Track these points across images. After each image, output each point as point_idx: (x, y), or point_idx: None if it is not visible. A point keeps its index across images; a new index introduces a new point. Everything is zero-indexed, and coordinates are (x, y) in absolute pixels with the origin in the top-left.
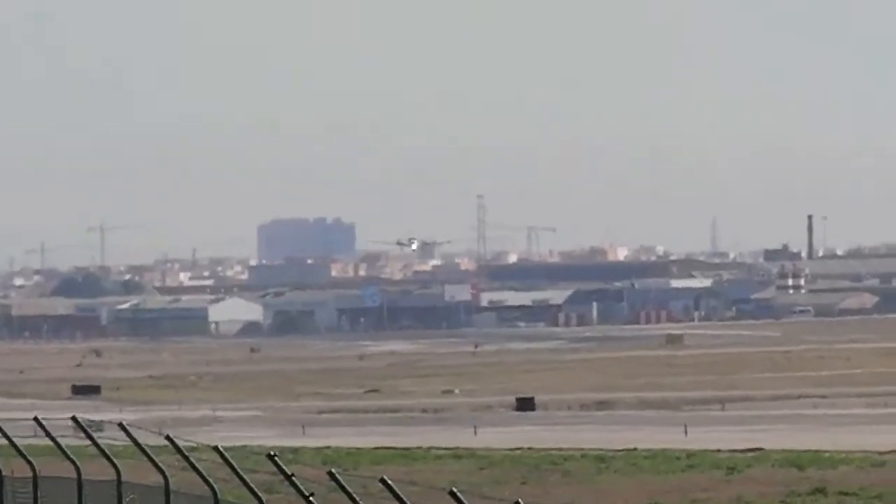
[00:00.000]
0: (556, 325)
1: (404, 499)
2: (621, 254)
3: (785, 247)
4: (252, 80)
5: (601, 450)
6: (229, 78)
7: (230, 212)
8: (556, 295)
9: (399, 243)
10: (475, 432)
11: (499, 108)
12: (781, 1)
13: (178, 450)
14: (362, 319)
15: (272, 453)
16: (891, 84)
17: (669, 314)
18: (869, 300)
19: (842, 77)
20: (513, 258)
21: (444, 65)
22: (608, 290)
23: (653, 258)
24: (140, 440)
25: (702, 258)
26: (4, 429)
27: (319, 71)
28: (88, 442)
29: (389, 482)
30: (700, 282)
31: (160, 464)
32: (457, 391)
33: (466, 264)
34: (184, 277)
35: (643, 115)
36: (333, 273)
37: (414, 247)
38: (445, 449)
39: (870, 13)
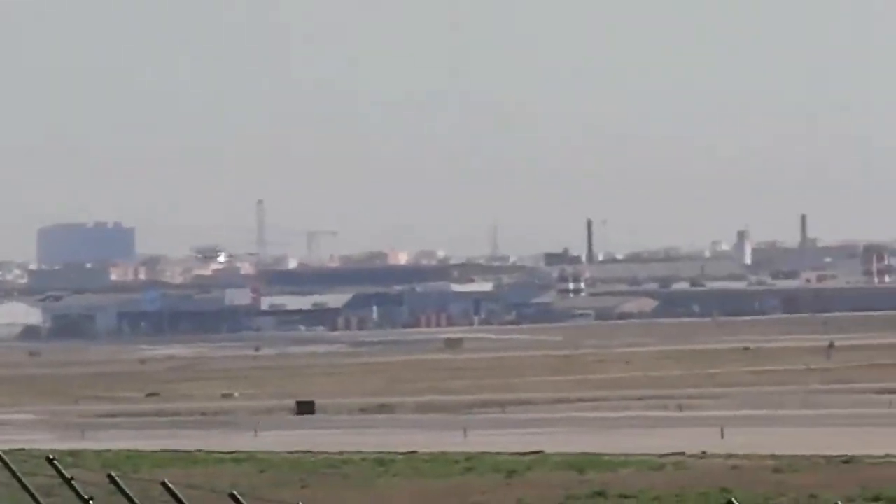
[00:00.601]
0: (336, 329)
1: (185, 502)
2: (402, 258)
3: (565, 251)
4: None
5: (381, 453)
6: None
7: (9, 216)
8: (336, 299)
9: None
10: (255, 435)
11: (278, 111)
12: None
13: None
14: (143, 323)
15: (51, 457)
16: (693, 83)
17: (449, 318)
18: (649, 304)
19: (622, 77)
20: (293, 263)
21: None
22: (388, 294)
23: (433, 262)
24: None
25: (482, 262)
26: None
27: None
28: None
29: (170, 485)
30: (480, 286)
31: None
32: (237, 395)
33: (247, 269)
34: None
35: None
36: (113, 277)
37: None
38: (226, 452)
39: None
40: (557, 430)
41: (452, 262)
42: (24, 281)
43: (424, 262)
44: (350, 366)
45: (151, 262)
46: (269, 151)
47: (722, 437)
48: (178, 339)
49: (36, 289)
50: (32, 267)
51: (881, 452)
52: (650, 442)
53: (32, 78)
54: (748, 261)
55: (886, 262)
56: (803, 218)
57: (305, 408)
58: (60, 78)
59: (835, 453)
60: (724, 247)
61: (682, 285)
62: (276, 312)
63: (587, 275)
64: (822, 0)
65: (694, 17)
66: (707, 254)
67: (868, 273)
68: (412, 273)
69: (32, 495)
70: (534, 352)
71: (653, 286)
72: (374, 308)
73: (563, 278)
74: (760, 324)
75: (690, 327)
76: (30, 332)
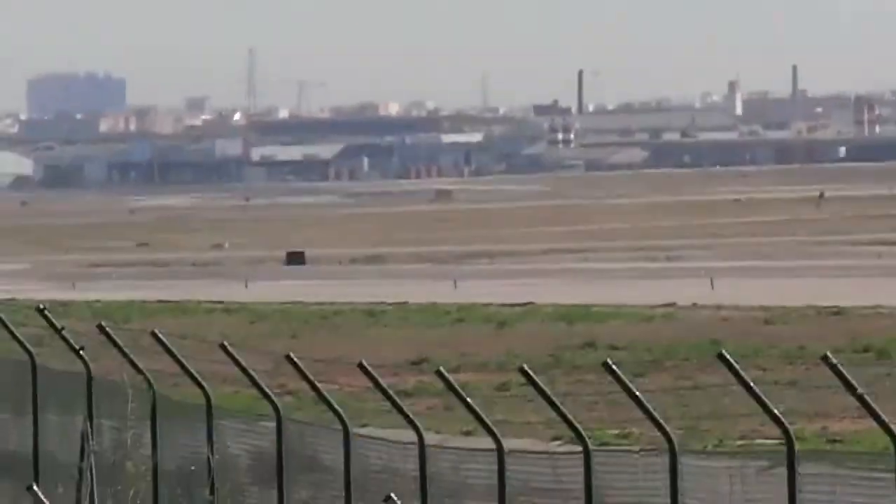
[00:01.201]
0: (327, 179)
1: (174, 352)
2: (392, 109)
3: (555, 102)
4: None
5: (372, 304)
6: None
7: None
8: (327, 150)
9: None
10: (246, 286)
11: None
12: None
13: None
14: (133, 174)
15: (42, 306)
16: None
17: (440, 169)
18: (639, 155)
19: None
20: (283, 113)
21: None
22: (379, 146)
23: (423, 113)
24: None
25: (472, 113)
26: None
27: None
28: None
29: (160, 335)
30: (470, 137)
31: None
32: (227, 245)
33: (237, 119)
34: None
35: None
36: (103, 128)
37: None
38: (216, 302)
39: None
40: (548, 282)
41: (443, 113)
42: (14, 131)
43: (415, 112)
44: (340, 217)
45: (142, 113)
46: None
47: (712, 287)
48: (168, 190)
49: (27, 139)
50: (23, 117)
51: (870, 303)
52: (640, 293)
53: None
54: (739, 111)
55: (877, 113)
56: (794, 68)
57: (296, 258)
58: None
59: (824, 304)
60: (715, 98)
61: (673, 136)
62: (267, 163)
63: (577, 126)
64: None
65: None
66: (698, 104)
67: (859, 123)
68: (402, 124)
69: (23, 345)
70: (523, 203)
71: (643, 137)
72: (365, 159)
73: (554, 129)
74: (751, 175)
75: (681, 178)
76: (20, 182)
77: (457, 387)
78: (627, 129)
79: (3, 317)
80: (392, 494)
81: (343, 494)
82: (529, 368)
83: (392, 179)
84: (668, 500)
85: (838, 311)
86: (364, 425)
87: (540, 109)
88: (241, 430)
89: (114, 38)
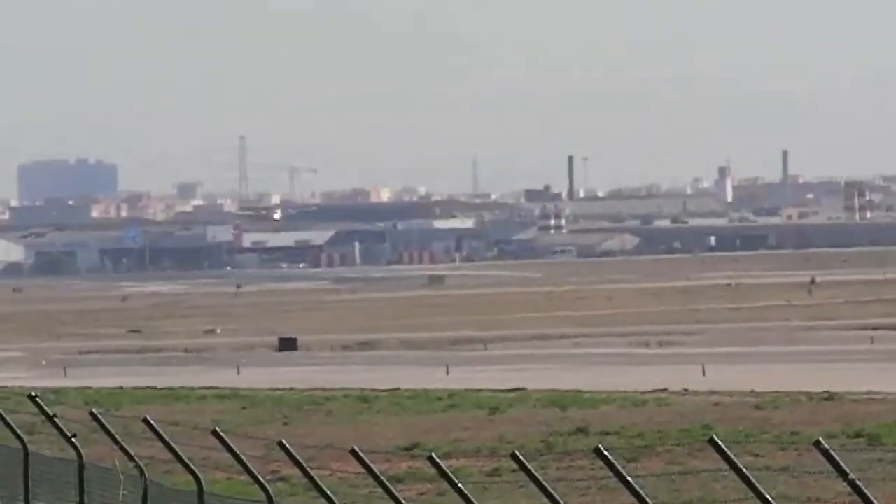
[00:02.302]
0: (319, 265)
1: (167, 438)
2: (384, 195)
3: (547, 187)
4: None
5: (364, 390)
6: None
7: None
8: (319, 236)
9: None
10: (238, 372)
11: (263, 48)
12: None
13: None
14: (125, 260)
15: (34, 394)
16: (648, 24)
17: (432, 255)
18: (630, 241)
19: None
20: (275, 199)
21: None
22: (370, 231)
23: (415, 199)
24: None
25: (464, 199)
26: None
27: None
28: None
29: (152, 422)
30: (462, 222)
31: None
32: (219, 331)
33: (229, 205)
34: None
35: None
36: (95, 214)
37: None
38: (208, 389)
39: None
40: (539, 367)
41: (434, 198)
42: (5, 217)
43: (406, 198)
44: (332, 303)
45: (133, 199)
46: (247, 91)
47: (703, 373)
48: (159, 276)
49: (17, 225)
50: (14, 203)
51: (863, 389)
52: (632, 379)
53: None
54: (729, 197)
55: (868, 198)
56: (784, 154)
57: (288, 344)
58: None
59: (816, 390)
60: (706, 183)
61: (664, 222)
62: (258, 249)
63: (568, 211)
64: None
65: None
66: (688, 190)
67: (849, 209)
68: (394, 209)
69: (15, 432)
70: (515, 288)
71: (634, 223)
72: (356, 245)
73: (545, 215)
74: (742, 260)
75: (672, 264)
76: (12, 269)
77: (448, 472)
78: (618, 214)
79: None
80: None
81: None
82: (521, 454)
83: (384, 265)
84: None
85: (830, 397)
86: None
87: (531, 195)
88: None
89: (106, 125)
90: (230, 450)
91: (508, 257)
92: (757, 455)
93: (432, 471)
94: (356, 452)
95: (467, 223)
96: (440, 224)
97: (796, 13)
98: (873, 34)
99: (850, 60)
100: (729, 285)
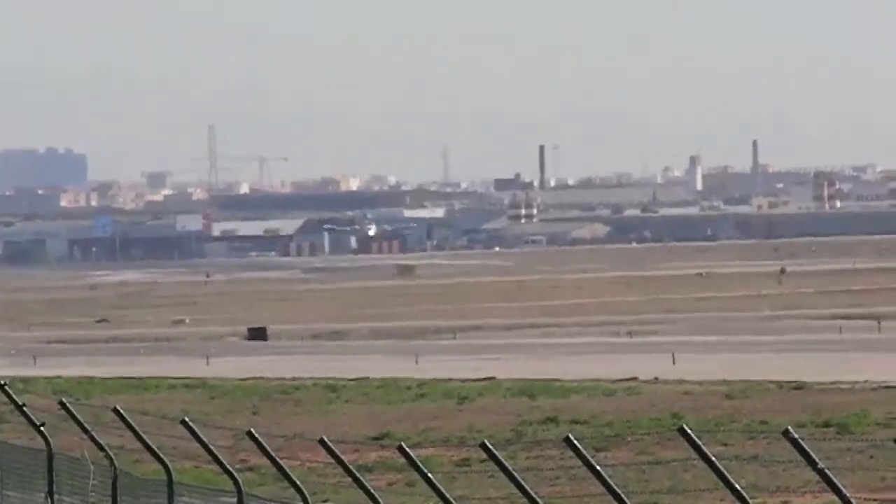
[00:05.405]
0: (288, 254)
1: (136, 428)
2: (353, 184)
3: (517, 176)
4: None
5: (333, 379)
6: None
7: None
8: (288, 225)
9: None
10: (207, 362)
11: (227, 41)
12: None
13: None
14: (94, 249)
15: (3, 383)
16: (627, 21)
17: (401, 244)
18: (600, 230)
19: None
20: (245, 188)
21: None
22: (340, 220)
23: (385, 188)
24: None
25: (434, 188)
26: None
27: None
28: None
29: (121, 411)
30: (432, 212)
31: None
32: (188, 321)
33: (198, 194)
34: None
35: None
36: (64, 203)
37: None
38: (177, 378)
39: None
40: (509, 357)
41: (404, 187)
42: None
43: (376, 187)
44: (302, 292)
45: (103, 188)
46: (216, 81)
47: (674, 363)
48: (129, 266)
49: None
50: None
51: (831, 378)
52: (602, 368)
53: None
54: (700, 186)
55: (837, 188)
56: (755, 143)
57: (257, 334)
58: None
59: (786, 379)
60: (676, 173)
61: (634, 211)
62: (228, 238)
63: (539, 200)
64: None
65: None
66: (659, 179)
67: (819, 199)
68: (364, 199)
69: None
70: (486, 278)
71: (605, 212)
72: (326, 234)
73: (515, 204)
74: (712, 249)
75: (642, 253)
76: None
77: (418, 462)
78: (589, 203)
79: None
80: None
81: None
82: (491, 443)
83: (353, 254)
84: None
85: (799, 386)
86: (325, 501)
87: (501, 184)
88: None
89: (75, 113)
90: (199, 439)
91: (478, 246)
92: (726, 444)
93: (402, 460)
94: (325, 442)
95: (437, 212)
96: (410, 213)
97: (766, 2)
98: (840, 25)
99: (818, 51)
100: (700, 274)
